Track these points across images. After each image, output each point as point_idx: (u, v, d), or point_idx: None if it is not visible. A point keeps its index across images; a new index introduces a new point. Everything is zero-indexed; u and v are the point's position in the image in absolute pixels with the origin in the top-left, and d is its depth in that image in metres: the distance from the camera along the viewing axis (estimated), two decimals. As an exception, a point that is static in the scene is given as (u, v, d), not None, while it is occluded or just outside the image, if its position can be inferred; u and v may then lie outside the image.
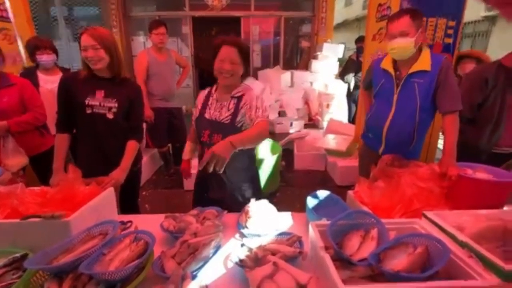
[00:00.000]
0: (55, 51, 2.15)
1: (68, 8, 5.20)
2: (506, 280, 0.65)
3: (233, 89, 1.30)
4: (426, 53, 1.44)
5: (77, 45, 1.33)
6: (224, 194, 1.34)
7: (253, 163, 1.46)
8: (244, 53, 1.24)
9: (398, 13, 1.43)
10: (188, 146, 1.55)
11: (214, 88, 1.37)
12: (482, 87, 1.67)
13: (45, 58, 2.08)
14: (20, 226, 0.92)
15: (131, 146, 1.46)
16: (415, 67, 1.44)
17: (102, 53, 1.32)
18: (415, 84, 1.44)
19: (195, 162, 1.57)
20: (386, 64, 1.54)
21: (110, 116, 1.40)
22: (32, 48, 2.08)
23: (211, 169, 1.01)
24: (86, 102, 1.36)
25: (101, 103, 1.38)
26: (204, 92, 1.41)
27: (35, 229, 0.92)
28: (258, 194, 1.42)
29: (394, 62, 1.52)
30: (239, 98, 1.29)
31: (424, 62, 1.43)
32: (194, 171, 1.46)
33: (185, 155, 1.56)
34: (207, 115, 1.32)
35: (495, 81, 1.64)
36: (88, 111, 1.37)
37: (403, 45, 1.38)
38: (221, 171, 1.03)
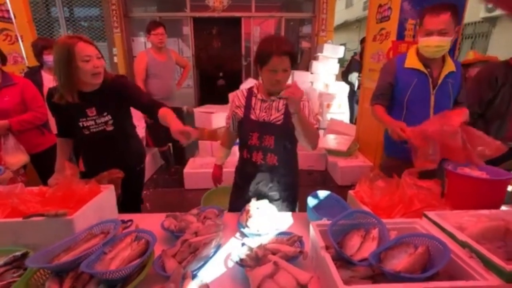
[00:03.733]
0: None
1: (69, 9, 5.21)
2: (508, 280, 0.65)
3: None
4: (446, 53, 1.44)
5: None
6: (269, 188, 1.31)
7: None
8: (295, 58, 1.16)
9: (439, 8, 1.31)
10: (220, 152, 1.47)
11: (255, 87, 1.28)
12: (492, 84, 1.74)
13: (52, 58, 2.10)
14: (23, 224, 0.92)
15: (167, 111, 1.24)
16: (448, 68, 1.42)
17: (103, 63, 1.23)
18: (449, 84, 1.43)
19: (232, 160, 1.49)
20: (415, 63, 1.43)
21: (109, 128, 1.35)
22: (40, 48, 2.10)
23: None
24: (81, 124, 1.30)
25: (96, 121, 1.31)
26: (242, 93, 1.30)
27: (38, 227, 0.92)
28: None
29: (422, 61, 1.42)
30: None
31: (451, 62, 1.44)
32: (227, 169, 1.42)
33: (218, 160, 1.48)
34: (253, 117, 1.23)
35: (505, 79, 1.72)
36: (86, 132, 1.32)
37: (441, 44, 1.31)
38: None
